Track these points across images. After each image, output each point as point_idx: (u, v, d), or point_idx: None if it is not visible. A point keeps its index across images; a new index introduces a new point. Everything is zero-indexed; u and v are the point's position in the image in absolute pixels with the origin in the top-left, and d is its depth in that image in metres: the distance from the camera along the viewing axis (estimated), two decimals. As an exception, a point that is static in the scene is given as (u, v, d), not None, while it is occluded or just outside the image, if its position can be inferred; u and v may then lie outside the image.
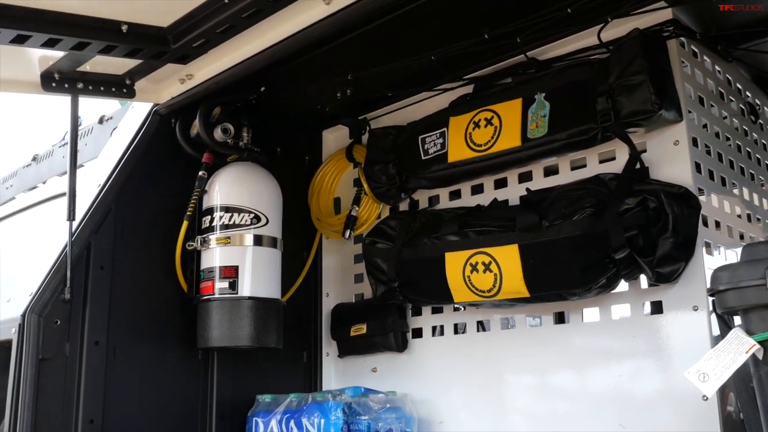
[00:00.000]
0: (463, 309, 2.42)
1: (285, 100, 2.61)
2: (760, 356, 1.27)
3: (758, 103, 2.54)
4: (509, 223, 2.12)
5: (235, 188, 2.41)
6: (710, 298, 1.45)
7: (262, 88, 2.48)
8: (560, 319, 2.26)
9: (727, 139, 2.26)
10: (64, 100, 2.40)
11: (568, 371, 2.15)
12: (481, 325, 2.44)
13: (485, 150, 2.22)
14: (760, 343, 1.25)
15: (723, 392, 1.84)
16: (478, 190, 2.41)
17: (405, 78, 2.48)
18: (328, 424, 2.25)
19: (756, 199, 2.35)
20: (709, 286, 1.35)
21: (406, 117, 2.58)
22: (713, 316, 1.76)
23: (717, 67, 2.31)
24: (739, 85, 2.43)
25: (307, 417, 2.29)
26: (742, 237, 2.20)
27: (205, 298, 2.34)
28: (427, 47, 2.22)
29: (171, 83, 2.42)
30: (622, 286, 2.08)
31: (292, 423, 2.32)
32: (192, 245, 2.39)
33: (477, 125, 2.26)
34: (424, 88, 2.52)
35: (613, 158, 2.12)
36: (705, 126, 2.15)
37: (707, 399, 1.83)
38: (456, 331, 2.46)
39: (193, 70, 2.33)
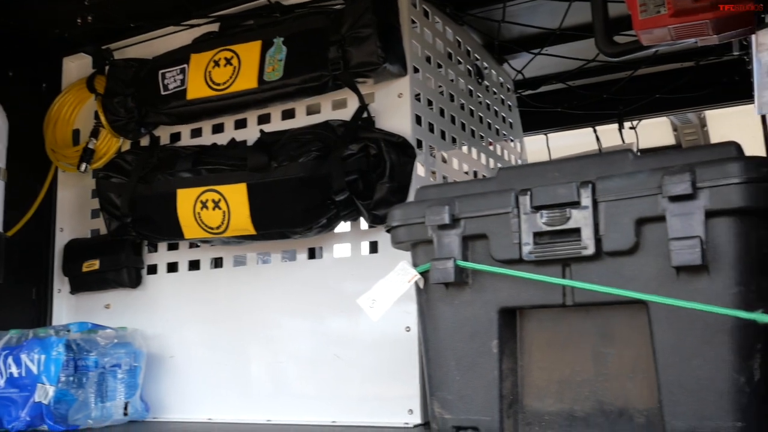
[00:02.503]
0: (198, 246, 2.44)
1: (17, 22, 2.45)
2: (421, 285, 1.42)
3: (486, 65, 2.77)
4: (241, 162, 2.16)
5: (-50, 111, 2.24)
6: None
7: (-11, 6, 2.32)
8: (291, 257, 2.36)
9: (452, 96, 2.45)
10: None
11: (293, 305, 2.25)
12: (218, 263, 2.48)
13: (223, 89, 2.24)
14: (421, 274, 1.40)
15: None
16: (219, 129, 2.43)
17: (151, 11, 2.42)
18: (48, 359, 2.19)
19: (475, 153, 2.58)
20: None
21: (153, 50, 2.51)
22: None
23: (448, 29, 2.48)
24: (468, 47, 2.63)
25: (27, 353, 2.21)
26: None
27: None
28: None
29: None
30: (346, 227, 2.22)
31: (10, 359, 2.23)
32: None
33: (217, 64, 2.26)
34: (169, 22, 2.47)
35: (345, 106, 2.22)
36: (435, 84, 2.32)
37: (409, 329, 2.02)
38: (192, 268, 2.48)
39: None
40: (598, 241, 1.26)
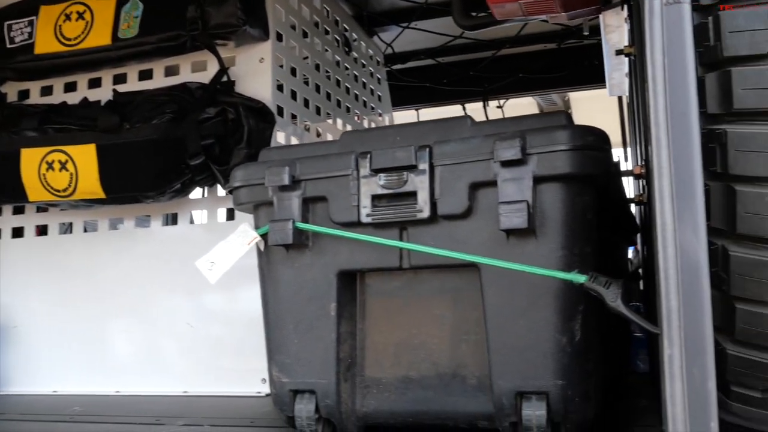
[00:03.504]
0: (47, 209, 2.32)
1: None
2: (262, 247, 1.40)
3: (355, 37, 2.76)
4: (91, 122, 2.07)
5: None
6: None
7: None
8: (145, 223, 2.28)
9: (317, 66, 2.42)
10: None
11: (147, 273, 2.17)
12: (69, 228, 2.37)
13: (75, 45, 2.13)
14: (262, 236, 1.38)
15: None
16: (71, 87, 2.31)
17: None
18: None
19: (341, 125, 2.57)
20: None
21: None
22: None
23: (316, -3, 2.46)
24: (337, 17, 2.61)
25: None
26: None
27: None
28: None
29: None
30: (202, 192, 2.16)
31: None
32: None
33: (68, 18, 2.15)
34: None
35: (205, 69, 2.16)
36: (299, 52, 2.28)
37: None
38: (41, 233, 2.36)
39: None
40: (433, 204, 1.28)
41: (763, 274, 1.12)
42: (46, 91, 2.35)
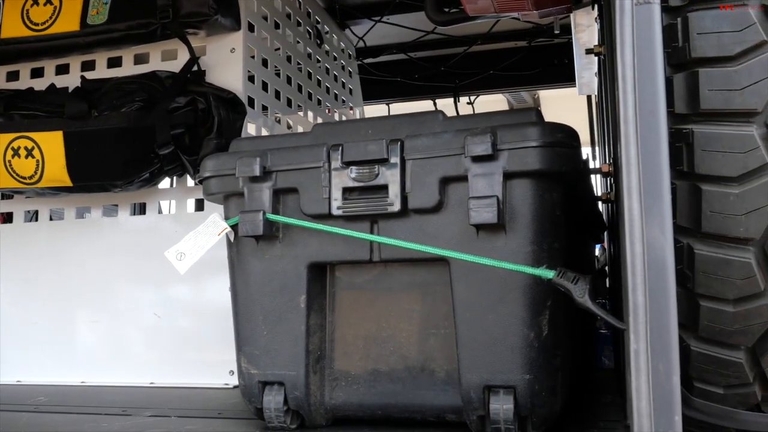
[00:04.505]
0: (12, 197, 2.29)
1: None
2: (231, 238, 1.40)
3: (327, 29, 2.75)
4: (59, 109, 2.04)
5: None
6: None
7: None
8: (113, 212, 2.26)
9: (289, 58, 2.41)
10: None
11: (114, 263, 2.15)
12: (35, 216, 2.34)
13: (42, 30, 2.10)
14: (232, 227, 1.37)
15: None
16: (38, 73, 2.28)
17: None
18: None
19: (311, 117, 2.57)
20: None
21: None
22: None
23: (288, -12, 2.45)
24: (309, 9, 2.60)
25: None
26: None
27: None
28: None
29: None
30: (170, 182, 2.14)
31: None
32: None
33: (36, 2, 2.12)
34: (-15, -46, 2.28)
35: (176, 58, 2.14)
36: (271, 43, 2.27)
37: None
38: (6, 221, 2.32)
39: None
40: (404, 198, 1.28)
41: (726, 272, 1.14)
42: (12, 76, 2.31)
